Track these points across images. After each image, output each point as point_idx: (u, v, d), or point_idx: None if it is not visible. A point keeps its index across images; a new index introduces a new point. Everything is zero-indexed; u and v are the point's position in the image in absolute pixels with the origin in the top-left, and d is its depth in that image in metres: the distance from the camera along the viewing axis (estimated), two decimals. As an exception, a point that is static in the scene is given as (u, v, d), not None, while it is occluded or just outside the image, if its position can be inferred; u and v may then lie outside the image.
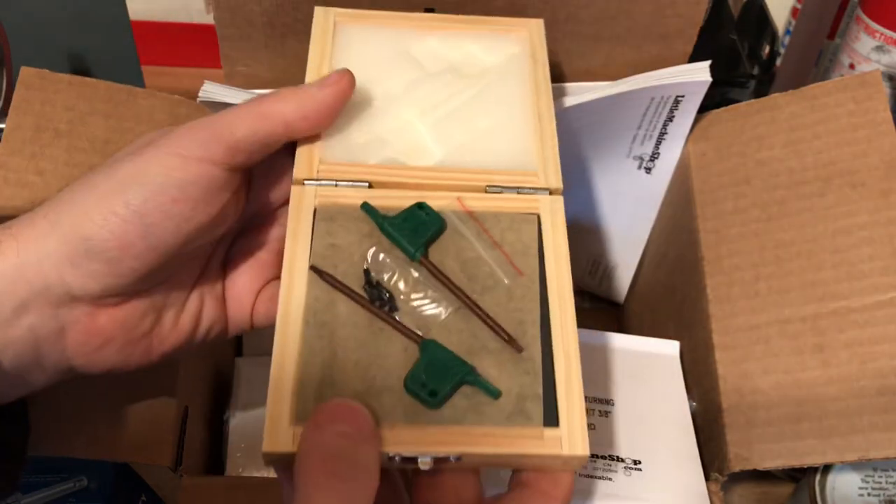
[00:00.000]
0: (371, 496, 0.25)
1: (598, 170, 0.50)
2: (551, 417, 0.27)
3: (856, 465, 0.41)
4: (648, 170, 0.49)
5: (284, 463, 0.27)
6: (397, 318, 0.29)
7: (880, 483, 0.41)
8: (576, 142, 0.47)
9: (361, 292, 0.30)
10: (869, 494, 0.41)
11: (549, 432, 0.27)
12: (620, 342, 0.44)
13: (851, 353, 0.37)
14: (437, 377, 0.28)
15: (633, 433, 0.39)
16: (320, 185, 0.32)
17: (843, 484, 0.41)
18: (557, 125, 0.45)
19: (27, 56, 0.45)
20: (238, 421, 0.47)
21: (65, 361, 0.30)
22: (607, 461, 0.38)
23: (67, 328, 0.29)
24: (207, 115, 0.31)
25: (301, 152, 0.33)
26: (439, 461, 0.27)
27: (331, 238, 0.31)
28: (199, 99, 0.41)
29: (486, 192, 0.33)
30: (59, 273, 0.28)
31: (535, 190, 0.33)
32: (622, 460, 0.38)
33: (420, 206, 0.31)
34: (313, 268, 0.30)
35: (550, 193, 0.33)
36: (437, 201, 0.32)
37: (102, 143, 0.42)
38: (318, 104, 0.31)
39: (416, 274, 0.30)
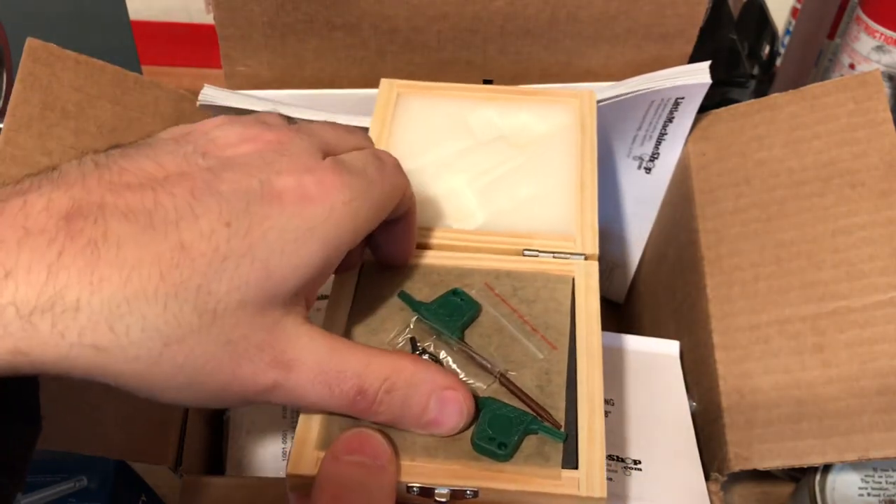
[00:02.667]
0: None
1: (598, 170, 0.50)
2: (571, 460, 0.28)
3: (856, 465, 0.41)
4: (648, 170, 0.49)
5: (306, 488, 0.27)
6: None
7: (880, 483, 0.41)
8: (576, 142, 0.47)
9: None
10: (869, 494, 0.41)
11: (567, 473, 0.28)
12: (620, 342, 0.44)
13: (851, 353, 0.37)
14: (503, 430, 0.28)
15: (633, 433, 0.39)
16: None
17: (843, 484, 0.41)
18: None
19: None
20: (238, 421, 0.47)
21: None
22: (607, 461, 0.38)
23: None
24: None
25: None
26: (456, 494, 0.27)
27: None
28: (199, 103, 0.41)
29: (522, 255, 0.34)
30: None
31: (571, 255, 0.34)
32: (622, 460, 0.38)
33: (455, 293, 0.32)
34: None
35: (586, 258, 0.34)
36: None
37: (109, 131, 0.41)
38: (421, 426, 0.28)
39: (455, 350, 0.31)
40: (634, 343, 0.44)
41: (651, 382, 0.42)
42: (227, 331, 0.23)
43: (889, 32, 0.55)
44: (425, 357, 0.30)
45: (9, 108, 0.38)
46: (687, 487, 0.38)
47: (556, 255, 0.34)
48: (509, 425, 0.28)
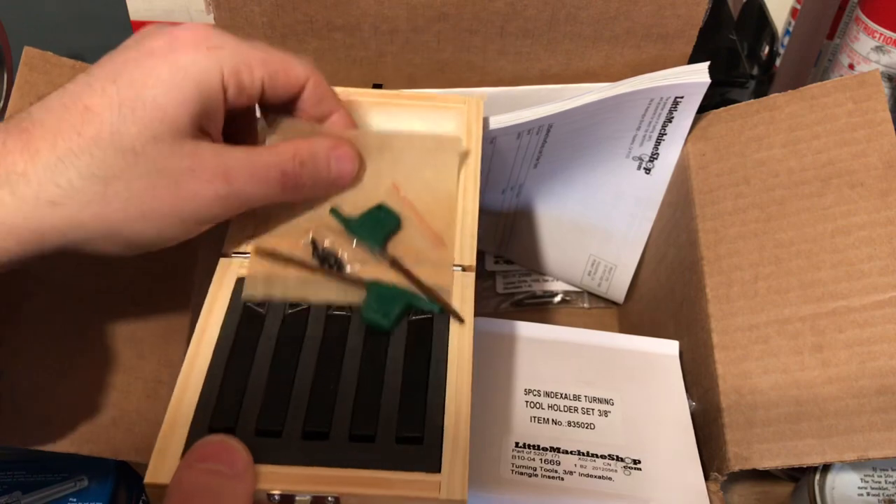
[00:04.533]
0: None
1: (598, 170, 0.50)
2: (434, 464, 0.28)
3: (855, 465, 0.41)
4: (648, 170, 0.49)
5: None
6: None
7: (880, 482, 0.41)
8: (576, 142, 0.47)
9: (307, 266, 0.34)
10: (868, 494, 0.41)
11: (430, 477, 0.28)
12: (620, 342, 0.44)
13: (850, 353, 0.37)
14: (387, 304, 0.32)
15: (632, 433, 0.39)
16: (246, 258, 0.34)
17: (843, 483, 0.41)
18: (556, 127, 0.45)
19: (27, 56, 0.45)
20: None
21: None
22: (607, 461, 0.38)
23: None
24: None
25: (234, 229, 0.35)
26: (318, 501, 0.27)
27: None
28: None
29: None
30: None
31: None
32: (622, 460, 0.38)
33: (378, 208, 0.35)
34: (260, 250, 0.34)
35: (464, 270, 0.34)
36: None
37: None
38: None
39: (353, 248, 0.34)
40: (634, 343, 0.44)
41: (651, 382, 0.42)
42: (155, 163, 0.29)
43: (888, 33, 0.55)
44: (325, 262, 0.34)
45: (6, 116, 0.39)
46: (687, 487, 0.38)
47: (435, 265, 0.34)
48: (392, 300, 0.32)
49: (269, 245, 0.34)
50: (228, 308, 0.33)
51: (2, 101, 0.56)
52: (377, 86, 0.46)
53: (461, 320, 0.32)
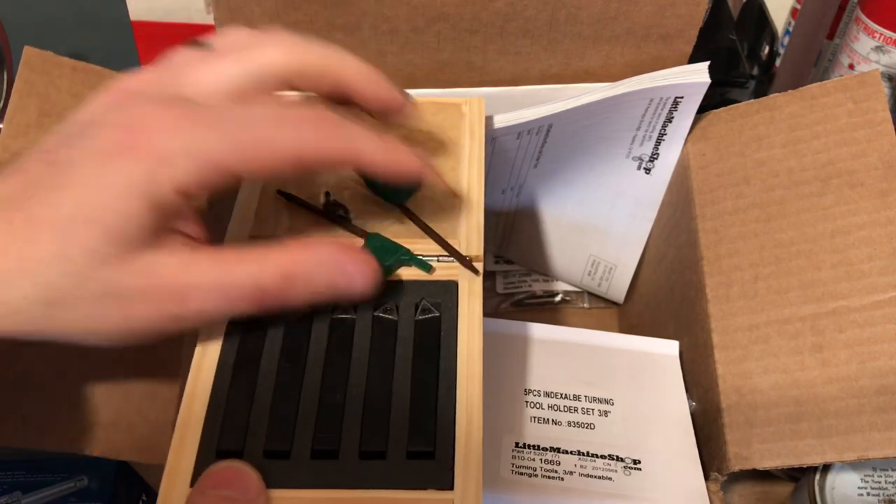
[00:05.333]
0: None
1: (598, 170, 0.50)
2: (446, 480, 0.28)
3: (855, 465, 0.41)
4: (648, 170, 0.49)
5: None
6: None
7: (880, 482, 0.41)
8: (575, 142, 0.47)
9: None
10: (868, 494, 0.41)
11: (443, 495, 0.27)
12: (620, 342, 0.44)
13: (851, 353, 0.37)
14: (382, 256, 0.32)
15: (632, 433, 0.39)
16: None
17: (843, 483, 0.41)
18: (556, 126, 0.45)
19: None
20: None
21: None
22: (607, 461, 0.38)
23: None
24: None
25: (234, 224, 0.35)
26: None
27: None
28: None
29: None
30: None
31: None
32: (622, 460, 0.38)
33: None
34: (280, 192, 0.35)
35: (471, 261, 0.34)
36: None
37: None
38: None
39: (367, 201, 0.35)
40: (634, 343, 0.44)
41: (650, 382, 0.42)
42: (101, 286, 0.26)
43: (888, 33, 0.55)
44: (333, 211, 0.35)
45: (6, 117, 0.39)
46: (686, 487, 0.38)
47: (440, 258, 0.34)
48: (386, 253, 0.32)
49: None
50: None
51: (2, 101, 0.56)
52: None
53: (475, 271, 0.33)
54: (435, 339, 0.31)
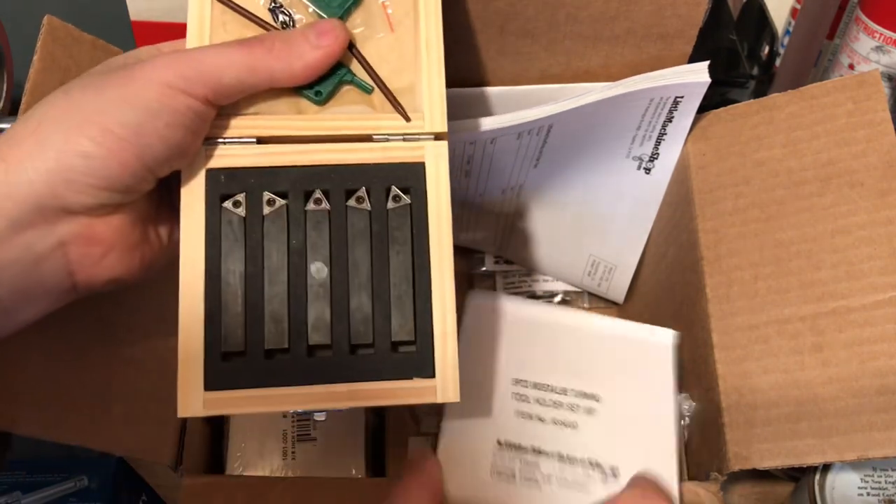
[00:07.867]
0: None
1: (598, 170, 0.50)
2: (428, 369, 0.31)
3: (855, 465, 0.41)
4: (648, 170, 0.49)
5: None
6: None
7: (879, 482, 0.41)
8: (575, 142, 0.47)
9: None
10: (868, 494, 0.41)
11: (427, 382, 0.30)
12: (615, 328, 0.44)
13: (850, 353, 0.37)
14: (322, 80, 0.32)
15: (614, 435, 0.40)
16: (208, 145, 0.32)
17: (843, 483, 0.41)
18: (556, 126, 0.45)
19: (27, 56, 0.45)
20: (239, 420, 0.47)
21: (67, 278, 0.31)
22: (586, 467, 0.39)
23: (67, 241, 0.30)
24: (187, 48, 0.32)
25: None
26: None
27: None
28: None
29: (371, 140, 0.33)
30: (52, 190, 0.29)
31: (420, 136, 0.33)
32: (600, 466, 0.38)
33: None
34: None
35: (436, 138, 0.33)
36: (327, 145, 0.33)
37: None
38: (308, 65, 0.31)
39: (310, 9, 0.33)
40: (626, 329, 0.44)
41: (640, 375, 0.42)
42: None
43: (888, 33, 0.55)
44: (278, 18, 0.33)
45: (27, 86, 0.38)
46: None
47: (406, 137, 0.32)
48: (327, 76, 0.32)
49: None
50: (206, 213, 0.31)
51: (2, 101, 0.56)
52: None
53: (407, 118, 0.32)
54: (408, 229, 0.32)
